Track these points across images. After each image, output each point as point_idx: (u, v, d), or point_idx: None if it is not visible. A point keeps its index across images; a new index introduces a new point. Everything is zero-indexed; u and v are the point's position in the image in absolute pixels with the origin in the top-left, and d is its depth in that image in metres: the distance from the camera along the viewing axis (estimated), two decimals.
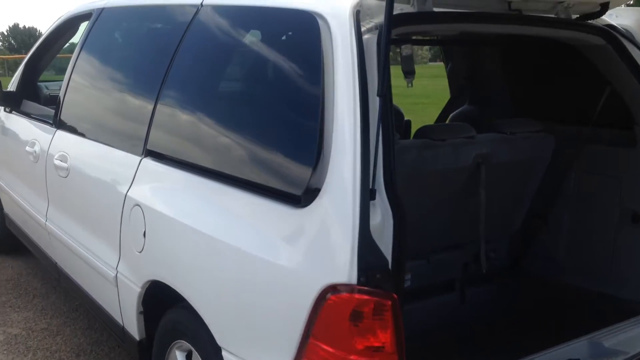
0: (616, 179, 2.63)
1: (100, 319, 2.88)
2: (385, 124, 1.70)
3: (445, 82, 3.69)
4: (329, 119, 1.72)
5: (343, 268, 1.59)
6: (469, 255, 2.68)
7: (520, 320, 2.73)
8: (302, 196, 1.72)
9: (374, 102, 1.71)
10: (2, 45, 66.71)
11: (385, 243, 1.67)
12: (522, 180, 2.70)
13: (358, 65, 1.72)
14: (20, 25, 71.00)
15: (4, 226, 4.27)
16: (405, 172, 2.24)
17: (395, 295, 1.58)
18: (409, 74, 2.06)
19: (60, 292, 3.86)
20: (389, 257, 1.65)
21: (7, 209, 4.13)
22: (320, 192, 1.70)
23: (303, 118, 1.83)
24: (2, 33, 73.21)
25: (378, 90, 1.66)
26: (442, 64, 3.77)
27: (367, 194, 1.63)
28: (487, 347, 2.46)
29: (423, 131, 2.42)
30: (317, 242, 1.69)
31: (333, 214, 1.67)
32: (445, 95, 3.74)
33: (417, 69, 2.08)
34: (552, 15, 2.22)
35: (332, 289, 1.60)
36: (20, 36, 66.28)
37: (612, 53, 2.35)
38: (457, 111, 3.37)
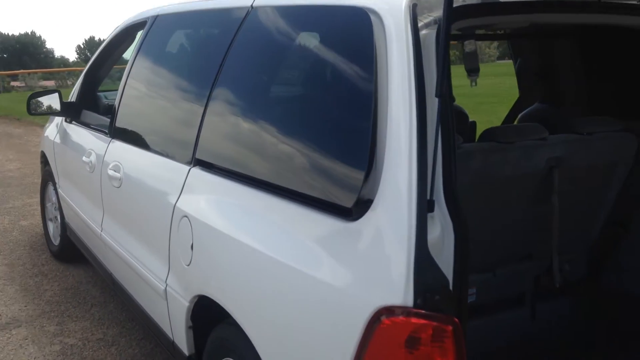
0: None
1: (152, 332, 2.82)
2: (445, 127, 1.53)
3: (514, 80, 3.45)
4: (383, 122, 1.57)
5: (398, 288, 1.43)
6: (541, 267, 2.45)
7: (599, 339, 2.49)
8: (352, 208, 1.58)
9: (432, 104, 1.55)
10: (79, 57, 69.68)
11: (445, 260, 1.50)
12: (600, 186, 2.45)
13: (415, 64, 1.57)
14: (96, 38, 73.93)
15: (65, 235, 4.32)
16: (470, 179, 2.05)
17: (457, 320, 1.41)
18: (472, 72, 1.88)
19: (117, 301, 3.85)
20: (450, 276, 1.48)
21: (67, 219, 4.18)
22: (373, 204, 1.55)
23: (354, 122, 1.68)
24: (79, 46, 76.43)
25: (437, 91, 1.50)
26: (510, 61, 3.53)
27: (425, 206, 1.46)
28: None
29: (489, 133, 2.22)
30: (369, 258, 1.54)
31: (387, 228, 1.51)
32: (514, 94, 3.50)
33: (484, 67, 1.90)
34: (635, 2, 1.98)
35: (387, 311, 1.45)
36: (96, 48, 69.03)
37: None
38: (527, 110, 3.13)
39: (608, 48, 2.73)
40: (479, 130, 2.32)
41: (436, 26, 1.64)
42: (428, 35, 1.63)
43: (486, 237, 2.19)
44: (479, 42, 2.75)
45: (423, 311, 1.41)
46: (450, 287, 1.45)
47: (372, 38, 1.67)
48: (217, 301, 2.07)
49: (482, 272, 2.34)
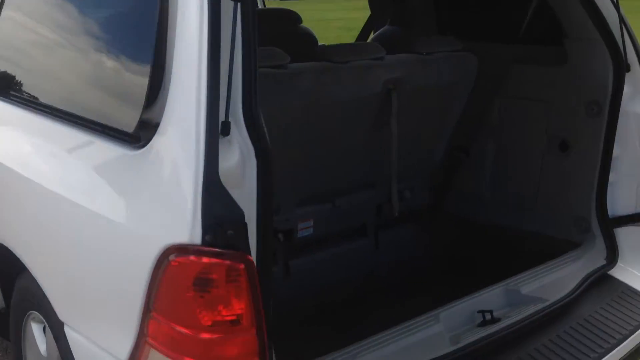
0: (543, 103, 2.32)
1: None
2: (246, 34, 1.30)
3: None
4: (171, 29, 1.32)
5: (185, 223, 1.23)
6: (382, 195, 2.36)
7: (440, 265, 2.48)
8: (135, 133, 1.34)
9: (228, 3, 1.30)
10: None
11: (246, 190, 1.31)
12: (441, 109, 2.37)
13: None
14: None
15: None
16: (299, 102, 1.88)
17: (250, 257, 1.24)
18: None
19: None
20: (253, 207, 1.30)
21: None
22: (160, 128, 1.31)
23: (135, 29, 1.42)
24: None
25: None
26: None
27: (216, 128, 1.25)
28: (400, 297, 2.20)
29: (322, 51, 2.05)
30: (156, 190, 1.32)
31: (175, 155, 1.30)
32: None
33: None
34: None
35: (176, 249, 1.25)
36: None
37: None
38: (376, 33, 2.98)
39: None
40: None
41: None
42: None
43: (322, 164, 2.05)
44: None
45: (214, 249, 1.22)
46: (245, 220, 1.26)
47: None
48: (10, 248, 1.80)
49: (319, 203, 2.21)
